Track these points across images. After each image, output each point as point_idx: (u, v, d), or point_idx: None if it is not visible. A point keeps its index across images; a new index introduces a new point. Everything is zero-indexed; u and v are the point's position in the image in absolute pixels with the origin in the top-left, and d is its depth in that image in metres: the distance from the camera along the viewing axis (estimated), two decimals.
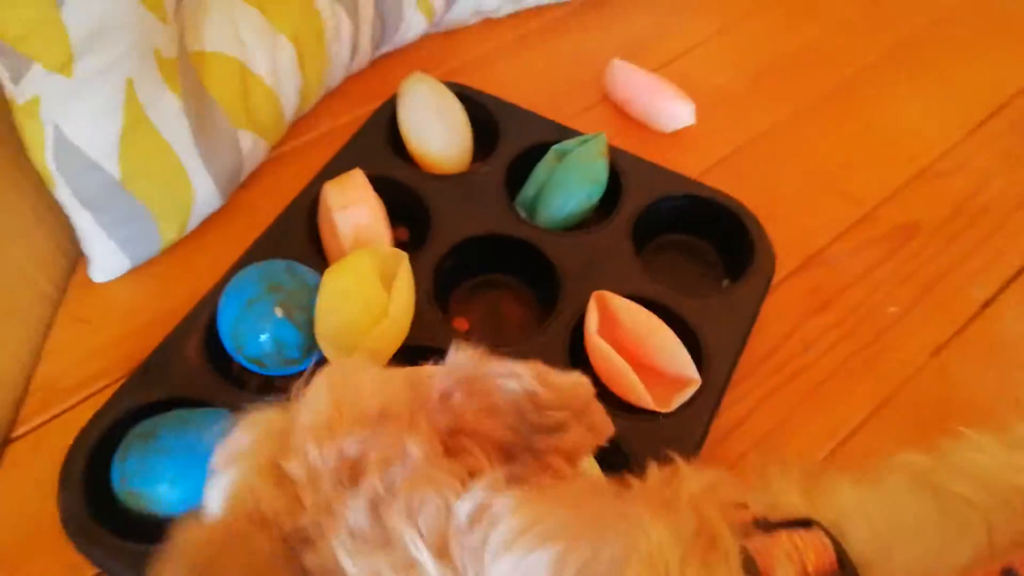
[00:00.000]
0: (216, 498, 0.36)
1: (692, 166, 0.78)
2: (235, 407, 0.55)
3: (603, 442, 0.51)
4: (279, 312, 0.57)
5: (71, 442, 0.56)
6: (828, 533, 0.31)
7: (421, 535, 0.32)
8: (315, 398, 0.37)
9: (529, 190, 0.71)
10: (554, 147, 0.71)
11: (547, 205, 0.69)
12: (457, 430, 0.37)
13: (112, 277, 0.68)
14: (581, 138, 0.71)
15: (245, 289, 0.59)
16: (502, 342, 0.65)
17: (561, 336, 0.61)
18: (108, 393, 0.59)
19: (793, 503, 0.34)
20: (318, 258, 0.66)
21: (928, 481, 0.34)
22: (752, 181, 0.78)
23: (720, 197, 0.71)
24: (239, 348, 0.58)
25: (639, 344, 0.60)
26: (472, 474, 0.34)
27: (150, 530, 0.54)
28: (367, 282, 0.57)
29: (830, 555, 0.30)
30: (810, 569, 0.29)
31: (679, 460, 0.37)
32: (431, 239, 0.66)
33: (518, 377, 0.39)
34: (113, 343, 0.64)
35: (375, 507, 0.33)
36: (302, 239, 0.66)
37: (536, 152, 0.72)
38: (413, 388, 0.39)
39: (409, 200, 0.69)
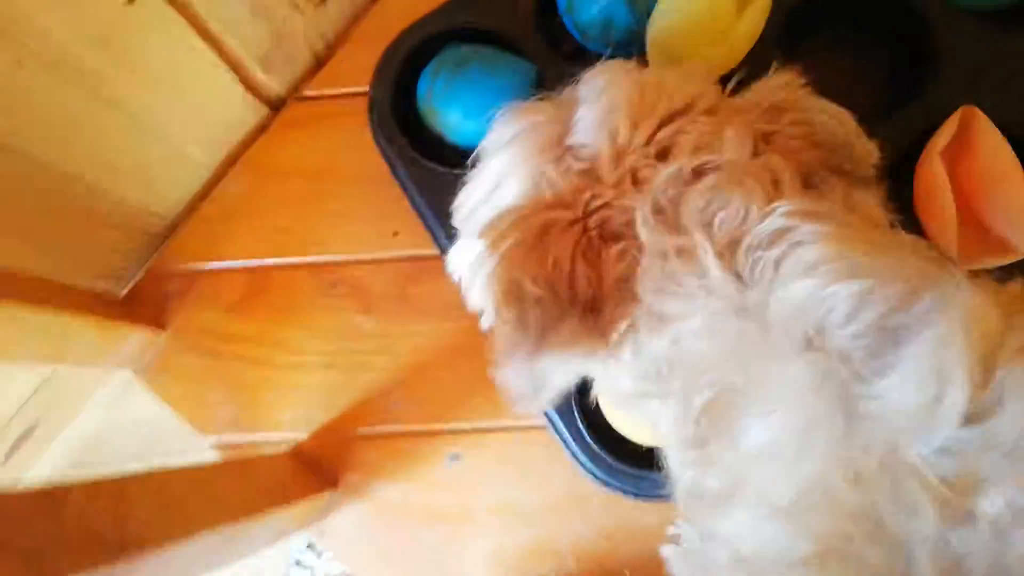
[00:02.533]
0: (510, 191, 0.38)
1: None
2: (541, 65, 0.55)
3: None
4: None
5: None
6: None
7: (710, 236, 0.32)
8: (612, 86, 0.37)
9: None
10: None
11: None
12: (770, 141, 0.36)
13: None
14: None
15: None
16: None
17: (899, 135, 0.53)
18: None
19: None
20: None
21: None
22: None
23: None
24: (571, 9, 0.56)
25: (981, 188, 0.51)
26: (776, 187, 0.34)
27: (437, 150, 0.59)
28: None
29: None
30: None
31: None
32: None
33: (841, 122, 0.38)
34: None
35: (680, 189, 0.34)
36: None
37: None
38: (716, 88, 0.38)
39: None
